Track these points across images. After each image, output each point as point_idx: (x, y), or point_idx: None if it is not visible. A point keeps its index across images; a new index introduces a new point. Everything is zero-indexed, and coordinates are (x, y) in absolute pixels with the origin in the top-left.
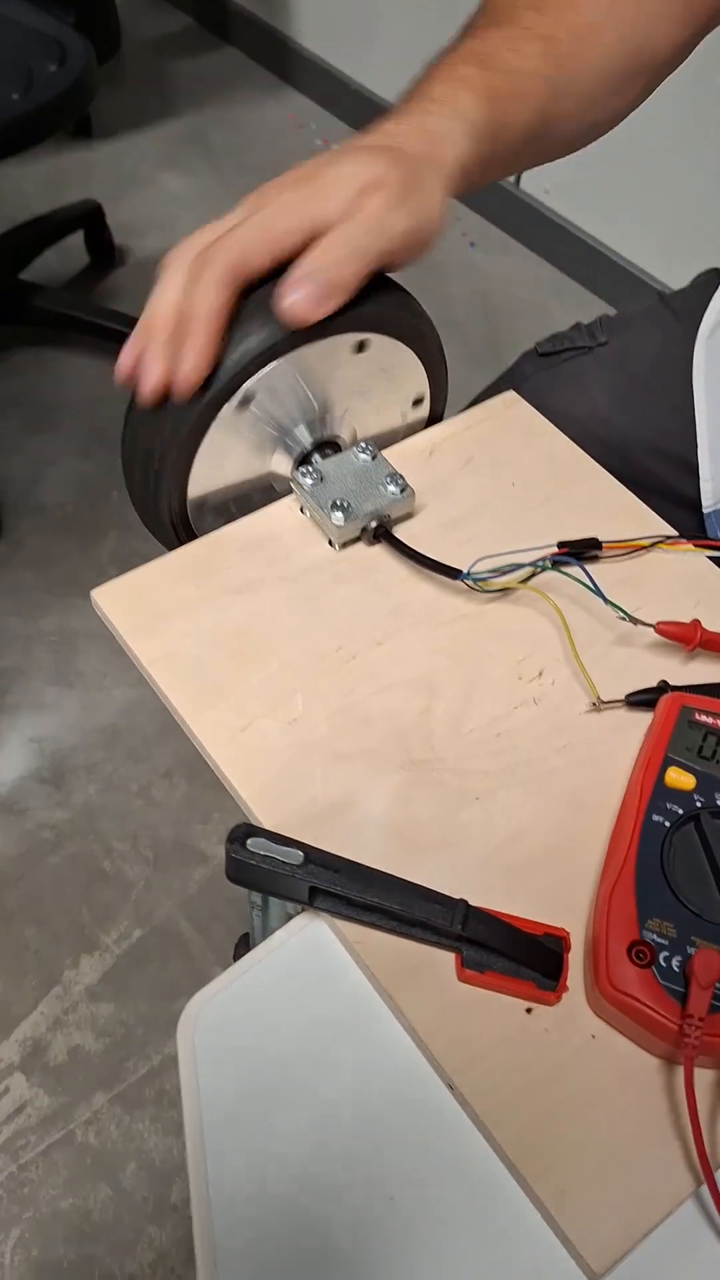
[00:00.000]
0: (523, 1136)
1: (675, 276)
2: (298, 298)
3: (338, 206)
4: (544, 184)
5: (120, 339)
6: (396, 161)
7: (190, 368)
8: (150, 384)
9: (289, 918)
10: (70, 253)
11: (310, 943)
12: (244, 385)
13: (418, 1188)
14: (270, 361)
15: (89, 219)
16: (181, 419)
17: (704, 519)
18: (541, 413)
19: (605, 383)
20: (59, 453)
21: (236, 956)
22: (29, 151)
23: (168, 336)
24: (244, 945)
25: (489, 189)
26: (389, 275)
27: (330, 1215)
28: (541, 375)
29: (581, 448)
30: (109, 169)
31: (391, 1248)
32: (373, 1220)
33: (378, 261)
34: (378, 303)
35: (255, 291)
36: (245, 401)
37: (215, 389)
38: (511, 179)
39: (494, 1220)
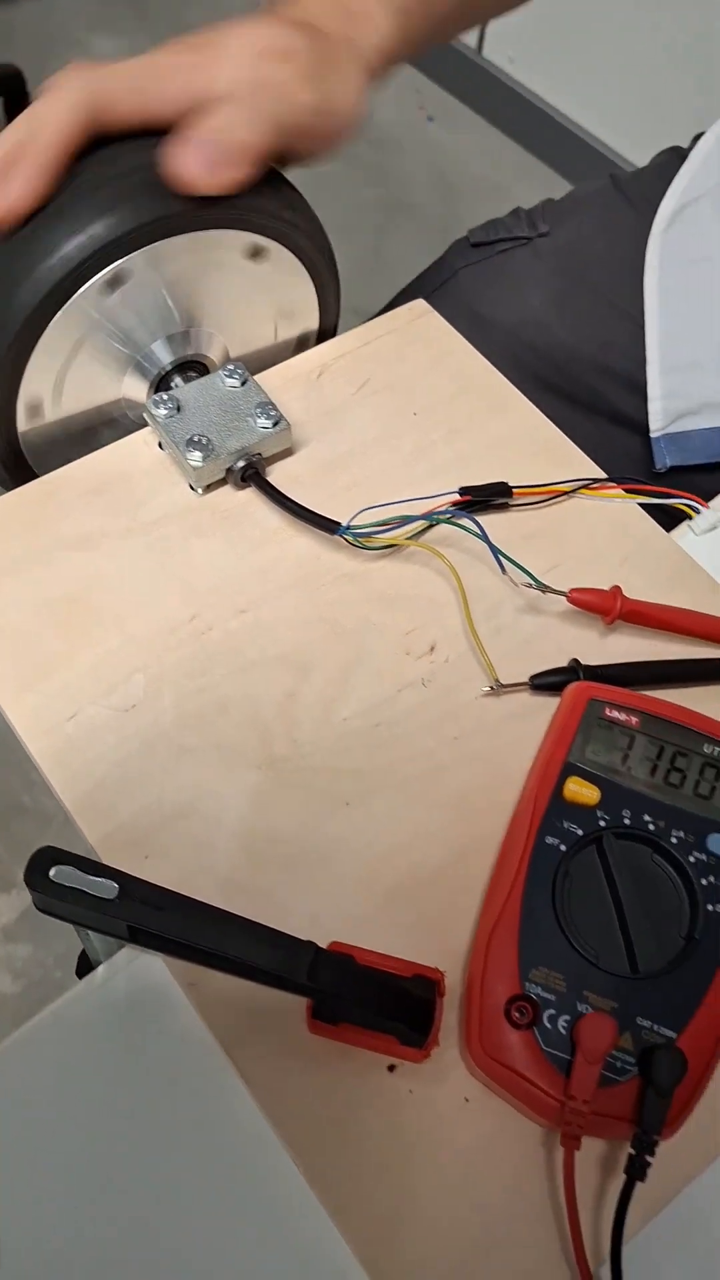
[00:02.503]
0: (375, 1228)
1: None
2: (190, 158)
3: (230, 76)
4: (507, 51)
5: None
6: (308, 35)
7: (7, 200)
8: None
9: (119, 944)
10: None
11: (139, 980)
12: (89, 281)
13: None
14: (126, 253)
15: (7, 86)
16: (5, 321)
17: (651, 444)
18: (469, 316)
19: (544, 281)
20: None
21: (80, 974)
22: None
23: None
24: (85, 965)
25: (448, 58)
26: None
27: None
28: (471, 270)
29: (513, 358)
30: (32, 29)
31: None
32: None
33: (281, 135)
34: (262, 196)
35: (111, 161)
36: (89, 303)
37: (47, 285)
38: (472, 44)
39: None
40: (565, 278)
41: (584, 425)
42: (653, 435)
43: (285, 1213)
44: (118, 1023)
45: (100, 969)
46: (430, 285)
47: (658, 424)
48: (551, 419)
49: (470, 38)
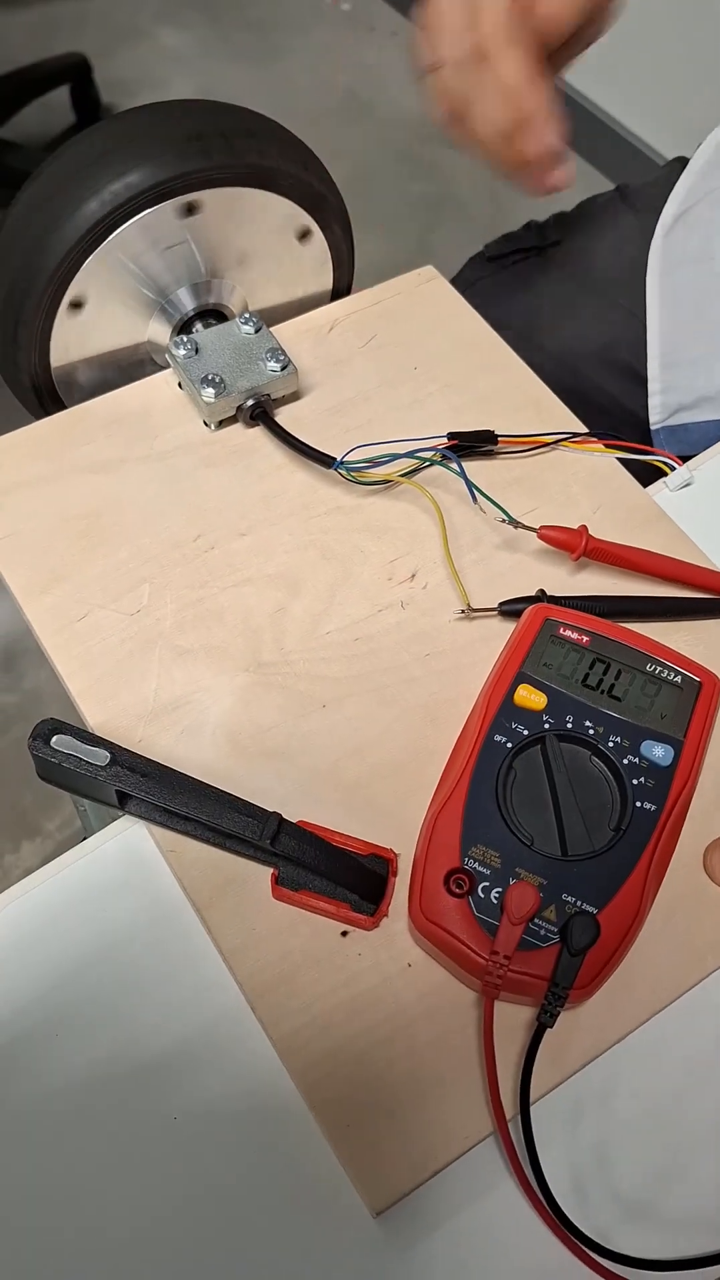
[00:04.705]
0: (316, 1066)
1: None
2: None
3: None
4: None
5: None
6: None
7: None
8: None
9: (112, 818)
10: (54, 110)
11: (127, 848)
12: (122, 226)
13: (205, 1109)
14: (156, 203)
15: (75, 73)
16: (42, 263)
17: (651, 437)
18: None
19: (553, 286)
20: None
21: None
22: None
23: None
24: None
25: None
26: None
27: (101, 1130)
28: (486, 283)
29: (524, 359)
30: (103, 19)
31: (168, 1169)
32: (150, 1140)
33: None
34: (289, 162)
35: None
36: (121, 248)
37: (84, 227)
38: None
39: (283, 1149)
40: (573, 281)
41: (590, 420)
42: (653, 428)
43: (241, 1054)
44: (104, 883)
45: (92, 838)
46: None
47: (657, 417)
48: None
49: None
